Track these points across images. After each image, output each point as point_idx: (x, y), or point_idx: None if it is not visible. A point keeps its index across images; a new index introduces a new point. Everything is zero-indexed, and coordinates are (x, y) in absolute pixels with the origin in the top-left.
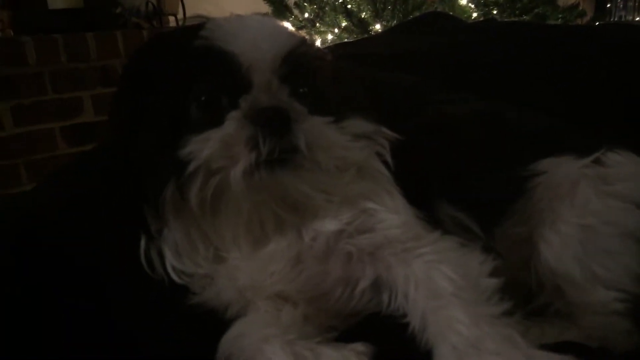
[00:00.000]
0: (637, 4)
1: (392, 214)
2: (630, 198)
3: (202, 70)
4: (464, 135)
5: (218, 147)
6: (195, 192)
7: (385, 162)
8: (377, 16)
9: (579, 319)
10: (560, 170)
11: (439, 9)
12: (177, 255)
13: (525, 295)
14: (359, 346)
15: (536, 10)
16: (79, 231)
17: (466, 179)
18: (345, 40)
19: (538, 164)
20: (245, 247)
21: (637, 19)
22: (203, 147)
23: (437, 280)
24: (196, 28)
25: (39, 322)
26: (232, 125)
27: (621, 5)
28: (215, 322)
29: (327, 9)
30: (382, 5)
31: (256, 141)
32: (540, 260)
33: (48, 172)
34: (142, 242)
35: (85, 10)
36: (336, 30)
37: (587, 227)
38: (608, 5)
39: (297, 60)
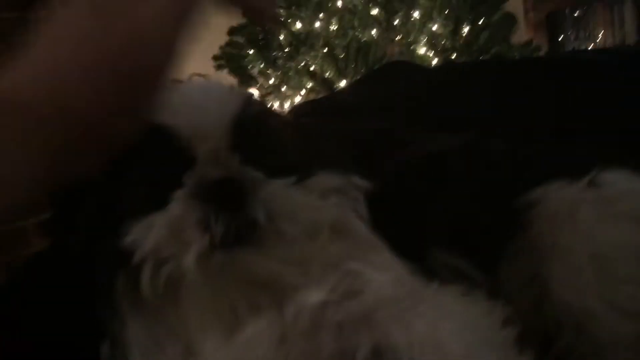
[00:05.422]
0: (588, 34)
1: (380, 272)
2: (637, 216)
3: (140, 147)
4: (450, 171)
5: (164, 233)
6: (146, 284)
7: (362, 216)
8: (340, 74)
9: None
10: (555, 198)
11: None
12: (143, 358)
13: (542, 341)
14: None
15: (493, 51)
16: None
17: (458, 218)
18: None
19: (531, 193)
20: (216, 337)
21: (590, 47)
22: (147, 234)
23: (444, 341)
24: None
25: None
26: (178, 206)
27: (572, 38)
28: None
29: (290, 73)
30: (344, 64)
31: (208, 222)
32: (552, 298)
33: None
34: (105, 347)
35: None
36: (302, 92)
37: (597, 255)
38: (560, 39)
39: (245, 123)
